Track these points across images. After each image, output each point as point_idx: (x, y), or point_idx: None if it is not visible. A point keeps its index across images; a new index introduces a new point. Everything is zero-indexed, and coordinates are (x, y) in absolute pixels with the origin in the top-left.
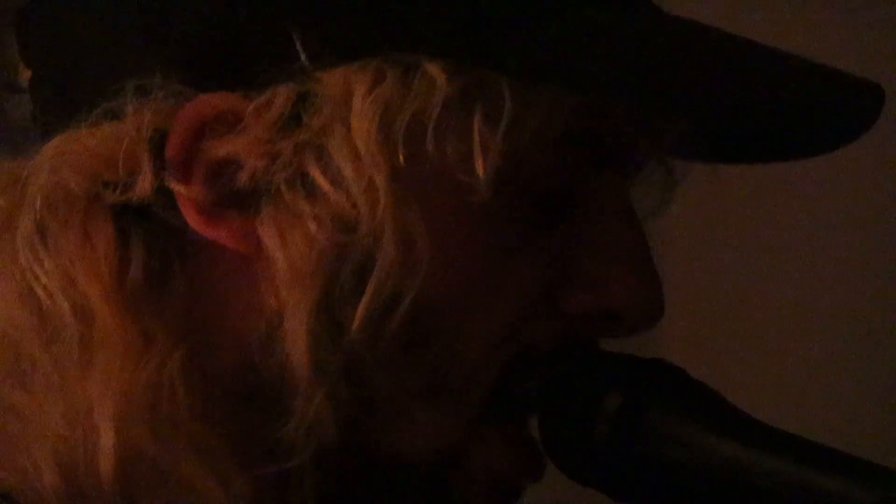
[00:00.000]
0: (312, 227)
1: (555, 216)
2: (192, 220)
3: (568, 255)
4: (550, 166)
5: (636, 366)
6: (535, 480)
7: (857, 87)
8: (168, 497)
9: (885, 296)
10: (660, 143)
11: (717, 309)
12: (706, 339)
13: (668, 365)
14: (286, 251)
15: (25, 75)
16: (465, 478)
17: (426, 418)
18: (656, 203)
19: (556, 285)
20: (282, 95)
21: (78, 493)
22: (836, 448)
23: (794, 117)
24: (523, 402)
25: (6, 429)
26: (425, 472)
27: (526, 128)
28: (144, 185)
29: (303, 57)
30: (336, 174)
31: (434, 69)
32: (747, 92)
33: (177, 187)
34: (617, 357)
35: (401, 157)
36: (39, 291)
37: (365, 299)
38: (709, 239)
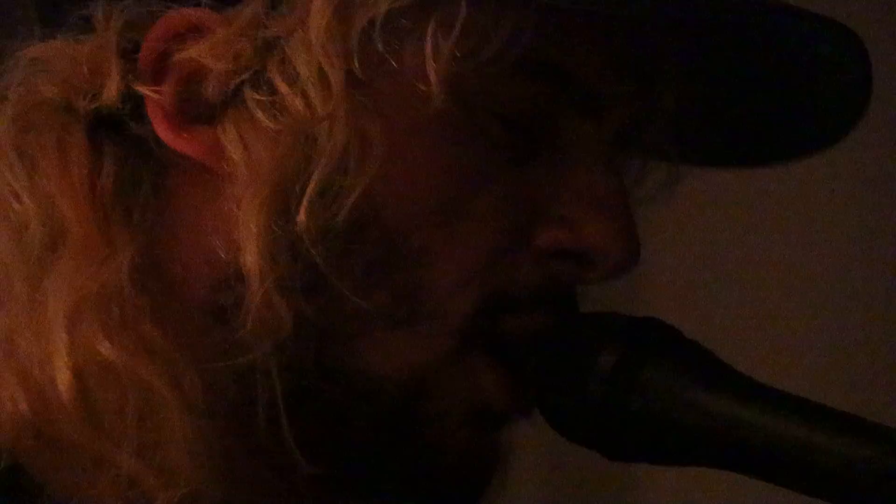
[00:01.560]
0: (270, 126)
1: (528, 150)
2: (161, 128)
3: (543, 194)
4: (516, 93)
5: (630, 324)
6: (524, 416)
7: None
8: (122, 397)
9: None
10: (634, 99)
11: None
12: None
13: (662, 323)
14: (245, 153)
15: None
16: (440, 402)
17: (394, 339)
18: (658, 191)
19: (530, 221)
20: (250, 7)
21: (39, 406)
22: (829, 406)
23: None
24: (514, 345)
25: None
26: (394, 395)
27: (485, 44)
28: (111, 89)
29: None
30: (293, 73)
31: None
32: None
33: (146, 90)
34: (610, 316)
35: (356, 59)
36: (13, 202)
37: (309, 188)
38: (708, 237)
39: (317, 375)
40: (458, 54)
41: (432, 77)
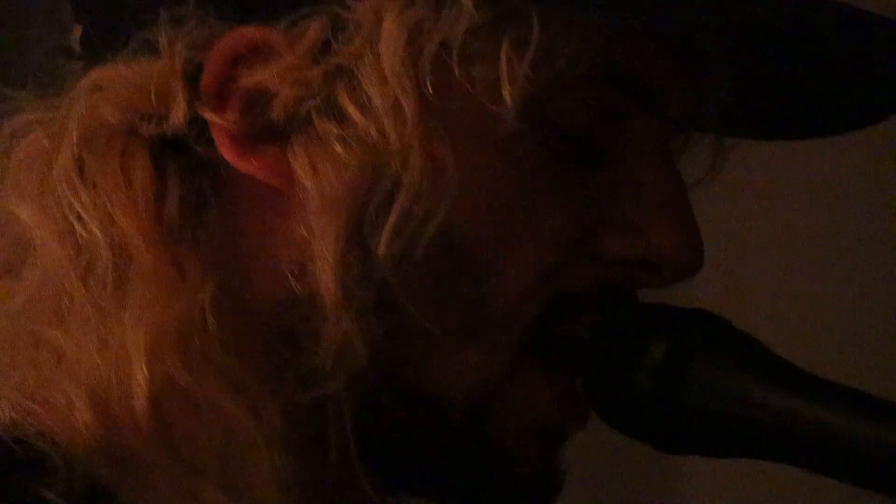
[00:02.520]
0: (342, 153)
1: (592, 159)
2: (227, 152)
3: (606, 200)
4: (582, 104)
5: (680, 316)
6: (581, 427)
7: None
8: (201, 428)
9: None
10: (695, 90)
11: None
12: None
13: (712, 315)
14: (316, 179)
15: (77, 33)
16: (503, 420)
17: (462, 356)
18: (703, 175)
19: (594, 230)
20: (315, 26)
21: (112, 427)
22: (886, 399)
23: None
24: (567, 349)
25: (42, 366)
26: (463, 413)
27: (555, 60)
28: (178, 115)
29: None
30: (365, 101)
31: None
32: (779, 18)
33: (211, 117)
34: (660, 308)
35: (429, 84)
36: (77, 226)
37: (390, 221)
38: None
39: (386, 399)
40: (531, 74)
41: (507, 99)
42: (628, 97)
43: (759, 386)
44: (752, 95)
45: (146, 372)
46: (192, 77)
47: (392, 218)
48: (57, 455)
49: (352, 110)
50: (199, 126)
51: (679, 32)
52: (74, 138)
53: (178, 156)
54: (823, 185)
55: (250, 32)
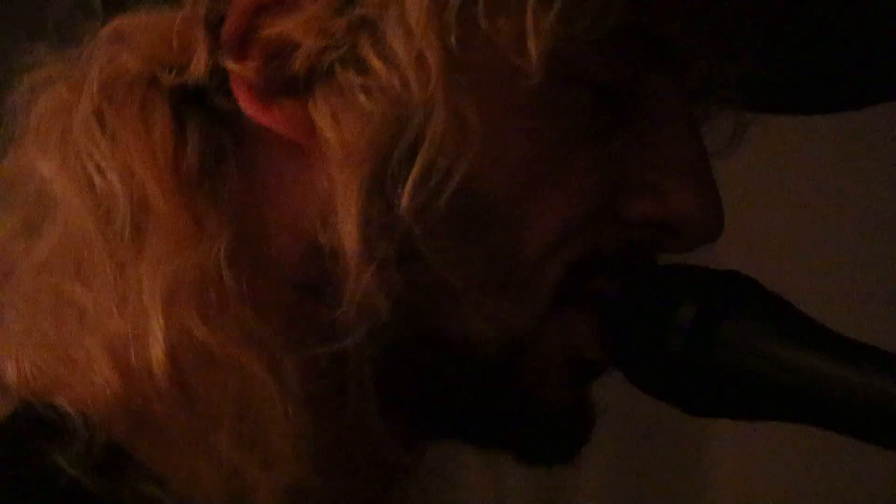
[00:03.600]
0: (365, 105)
1: (615, 118)
2: (247, 103)
3: (629, 160)
4: (607, 60)
5: (710, 277)
6: (614, 364)
7: None
8: (219, 381)
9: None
10: (720, 54)
11: None
12: None
13: (743, 276)
14: (338, 131)
15: None
16: (539, 360)
17: (491, 309)
18: (725, 144)
19: (616, 191)
20: None
21: (130, 382)
22: None
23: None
24: (595, 300)
25: (64, 322)
26: (495, 358)
27: (582, 13)
28: (199, 64)
29: None
30: (389, 53)
31: None
32: None
33: (232, 66)
34: (689, 268)
35: (453, 35)
36: (96, 177)
37: (413, 173)
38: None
39: (410, 348)
40: (557, 26)
41: (532, 52)
42: (649, 56)
43: (790, 347)
44: (774, 65)
45: (163, 324)
46: (214, 26)
47: (415, 170)
48: (77, 415)
49: (375, 62)
50: (220, 77)
51: None
52: (95, 87)
53: (199, 107)
54: (842, 155)
55: None
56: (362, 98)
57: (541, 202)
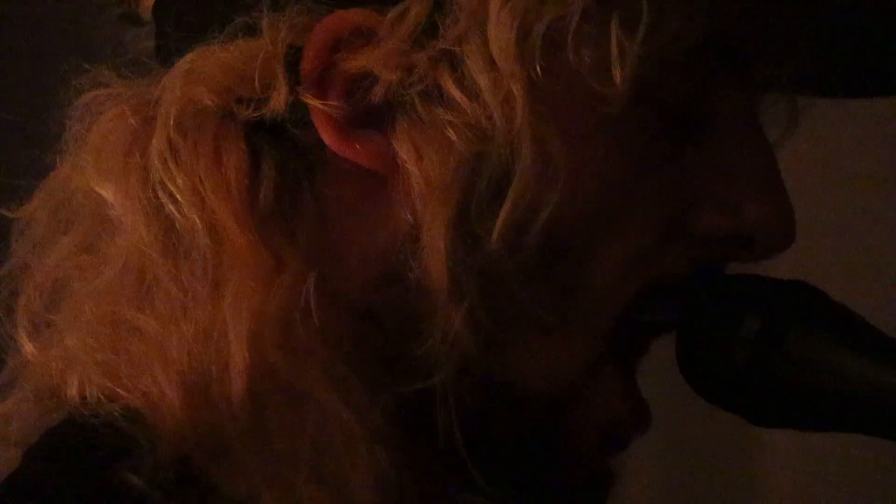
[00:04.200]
0: (448, 139)
1: (687, 135)
2: (328, 136)
3: (699, 176)
4: (683, 79)
5: (775, 288)
6: (643, 432)
7: None
8: (297, 419)
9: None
10: (789, 55)
11: None
12: None
13: (809, 286)
14: (422, 165)
15: (146, 3)
16: (583, 418)
17: (548, 348)
18: (780, 134)
19: (687, 207)
20: (416, 8)
21: (204, 411)
22: None
23: None
24: (650, 334)
25: (128, 348)
26: (545, 409)
27: (662, 36)
28: (279, 99)
29: None
30: (471, 85)
31: None
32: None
33: (313, 101)
34: (754, 279)
35: (538, 67)
36: (171, 208)
37: (504, 210)
38: None
39: (482, 391)
40: (642, 53)
41: (618, 79)
42: (721, 69)
43: (854, 359)
44: (828, 55)
45: (247, 358)
46: (291, 61)
47: (506, 206)
48: (143, 437)
49: (458, 95)
50: (299, 111)
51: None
52: (171, 121)
53: (274, 141)
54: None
55: (351, 16)
56: (446, 132)
57: (611, 230)
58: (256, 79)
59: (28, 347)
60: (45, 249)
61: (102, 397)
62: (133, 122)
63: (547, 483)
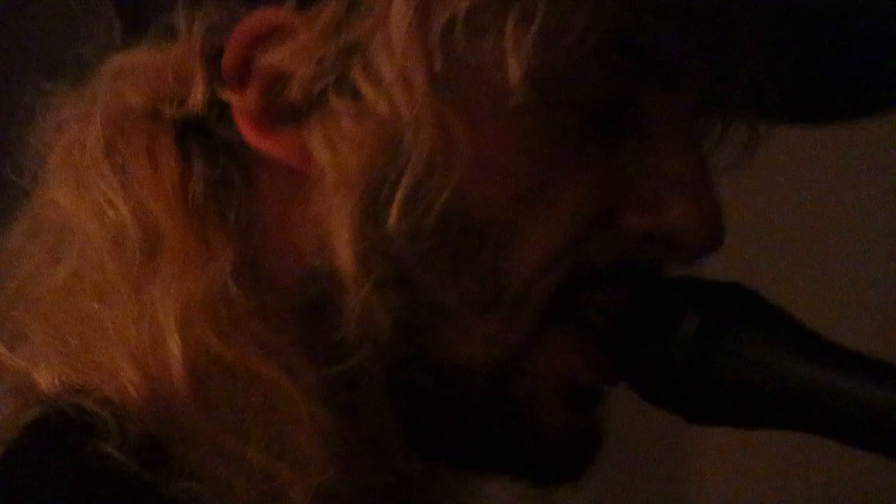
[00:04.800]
0: (357, 130)
1: (613, 134)
2: (247, 132)
3: (627, 176)
4: (596, 77)
5: (712, 289)
6: (612, 384)
7: None
8: (239, 391)
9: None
10: (712, 68)
11: None
12: None
13: (745, 288)
14: (332, 156)
15: (118, 29)
16: (535, 381)
17: (481, 327)
18: (737, 158)
19: (615, 204)
20: (330, 7)
21: (155, 389)
22: None
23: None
24: (586, 319)
25: (87, 336)
26: (487, 381)
27: (565, 32)
28: (197, 96)
29: None
30: (377, 77)
31: None
32: None
33: (231, 97)
34: (692, 280)
35: (437, 58)
36: (108, 209)
37: (400, 192)
38: None
39: (412, 369)
40: (539, 45)
41: (514, 70)
42: (643, 71)
43: (790, 358)
44: (785, 76)
45: (178, 340)
46: (211, 59)
47: (401, 188)
48: (108, 413)
49: (364, 86)
50: (220, 108)
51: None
52: (99, 123)
53: (202, 137)
54: (838, 173)
55: (269, 14)
56: (354, 122)
57: (531, 220)
58: (172, 76)
59: (0, 349)
60: (18, 261)
61: (71, 386)
62: (76, 130)
63: (518, 449)
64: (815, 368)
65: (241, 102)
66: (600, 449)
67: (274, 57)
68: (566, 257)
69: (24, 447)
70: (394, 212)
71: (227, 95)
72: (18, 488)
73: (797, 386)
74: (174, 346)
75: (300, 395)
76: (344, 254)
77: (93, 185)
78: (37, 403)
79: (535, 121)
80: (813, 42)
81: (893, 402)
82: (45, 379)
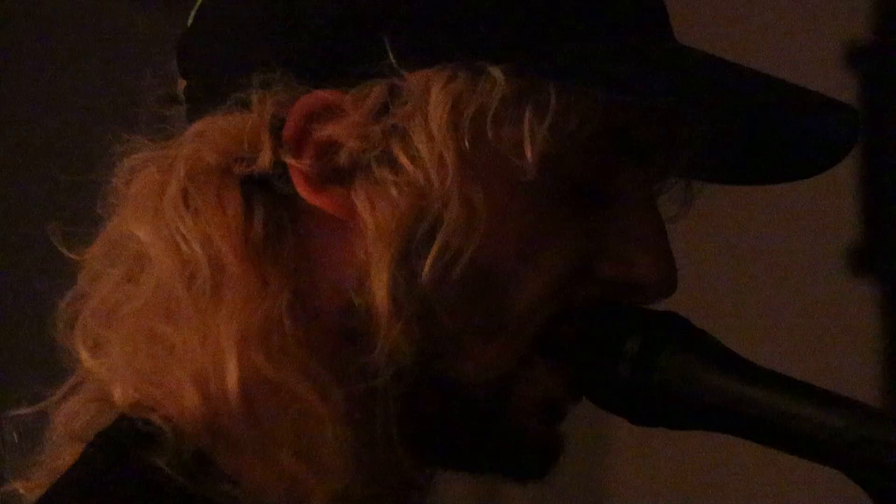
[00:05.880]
0: (395, 195)
1: (592, 201)
2: (302, 189)
3: (602, 233)
4: (587, 157)
5: (652, 317)
6: (576, 402)
7: (837, 111)
8: (280, 407)
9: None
10: (675, 145)
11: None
12: None
13: (678, 316)
14: (374, 214)
15: (181, 85)
16: (519, 397)
17: (484, 352)
18: (676, 212)
19: (592, 257)
20: (376, 91)
21: (211, 406)
22: (817, 385)
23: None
24: (565, 346)
25: (157, 356)
26: (485, 395)
27: (567, 124)
28: (264, 159)
29: (393, 60)
30: (415, 153)
31: (496, 72)
32: (738, 91)
33: (290, 161)
34: (636, 310)
35: (466, 141)
36: (182, 245)
37: (433, 250)
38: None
39: (423, 390)
40: (549, 134)
41: (528, 154)
42: (623, 152)
43: (710, 372)
44: (716, 152)
45: (235, 361)
46: (275, 129)
47: (434, 247)
48: (168, 429)
49: (404, 160)
50: (281, 168)
51: (663, 105)
52: (182, 174)
53: (263, 191)
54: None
55: (324, 95)
56: (393, 189)
57: (530, 269)
58: (246, 142)
59: (85, 357)
60: (98, 281)
61: (139, 396)
62: (157, 176)
63: (503, 454)
64: (732, 381)
65: (299, 165)
66: (561, 455)
67: (328, 130)
68: (555, 299)
69: (92, 456)
70: (427, 265)
71: (288, 159)
72: (79, 494)
73: (718, 395)
74: (232, 366)
75: (328, 415)
76: (380, 294)
77: (170, 223)
78: (111, 414)
79: (538, 192)
80: (747, 127)
81: (793, 408)
82: (119, 393)
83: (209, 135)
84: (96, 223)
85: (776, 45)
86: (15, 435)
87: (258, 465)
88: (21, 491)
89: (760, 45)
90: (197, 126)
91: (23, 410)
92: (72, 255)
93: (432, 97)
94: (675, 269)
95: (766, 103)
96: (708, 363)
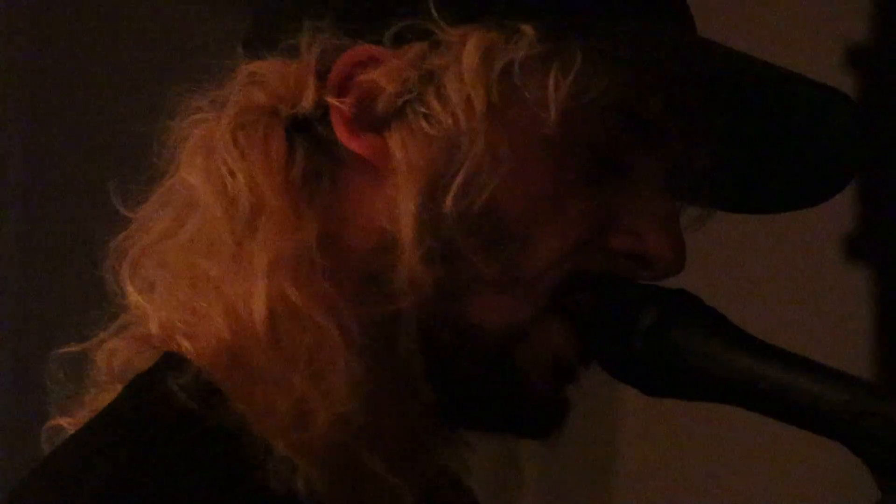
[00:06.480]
0: (425, 136)
1: (606, 173)
2: (341, 133)
3: (617, 209)
4: (602, 128)
5: (665, 293)
6: (586, 367)
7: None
8: (299, 332)
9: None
10: (691, 136)
11: None
12: None
13: (690, 294)
14: (406, 154)
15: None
16: (530, 352)
17: (498, 302)
18: (694, 222)
19: (606, 226)
20: (416, 45)
21: (235, 330)
22: (818, 361)
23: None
24: (576, 309)
25: (196, 289)
26: (496, 345)
27: (588, 89)
28: (308, 99)
29: (435, 14)
30: (446, 98)
31: (528, 30)
32: (745, 71)
33: (333, 101)
34: (650, 286)
35: (495, 90)
36: (227, 179)
37: (456, 183)
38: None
39: (440, 325)
40: (571, 94)
41: (552, 107)
42: (634, 132)
43: (721, 347)
44: (725, 178)
45: (265, 286)
46: (321, 74)
47: (457, 181)
48: (193, 357)
49: (436, 104)
50: (323, 111)
51: (677, 77)
52: (232, 115)
53: (306, 137)
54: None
55: (371, 49)
56: (424, 131)
57: (547, 226)
58: (293, 84)
59: (130, 292)
60: (149, 224)
61: (177, 321)
62: (210, 117)
63: (510, 408)
64: (741, 356)
65: (341, 106)
66: (567, 418)
67: (370, 75)
68: (568, 260)
69: (124, 394)
70: (450, 196)
71: (330, 98)
72: (102, 424)
73: (728, 369)
74: (261, 288)
75: (343, 344)
76: (405, 221)
77: (219, 160)
78: (150, 352)
79: (557, 149)
80: (756, 140)
81: (799, 382)
82: (156, 323)
83: (259, 76)
84: (154, 181)
85: (776, 45)
86: (62, 373)
87: (272, 386)
88: (65, 426)
89: (760, 45)
90: (249, 67)
91: (69, 348)
92: (126, 213)
93: (467, 48)
94: (684, 248)
95: (782, 77)
96: (719, 338)
